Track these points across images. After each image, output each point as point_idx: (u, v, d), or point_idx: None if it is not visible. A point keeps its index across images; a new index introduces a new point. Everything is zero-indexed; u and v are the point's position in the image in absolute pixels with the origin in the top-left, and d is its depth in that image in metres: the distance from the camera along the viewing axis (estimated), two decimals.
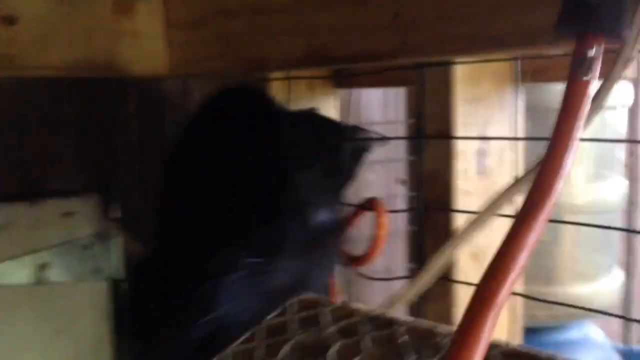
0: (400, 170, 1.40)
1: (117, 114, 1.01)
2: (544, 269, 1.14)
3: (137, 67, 0.93)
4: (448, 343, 0.36)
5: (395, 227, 1.01)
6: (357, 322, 0.42)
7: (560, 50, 0.55)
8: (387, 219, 0.72)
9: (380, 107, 1.36)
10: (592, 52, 0.33)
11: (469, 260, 0.72)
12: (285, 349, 0.40)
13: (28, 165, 0.93)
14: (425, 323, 0.40)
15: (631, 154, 1.90)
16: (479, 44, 0.60)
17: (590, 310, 0.67)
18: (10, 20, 0.81)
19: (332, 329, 0.41)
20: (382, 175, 1.41)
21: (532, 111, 1.00)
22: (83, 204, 0.96)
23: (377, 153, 1.38)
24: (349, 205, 0.80)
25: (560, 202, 1.14)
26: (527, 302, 1.07)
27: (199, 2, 0.88)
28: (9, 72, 0.82)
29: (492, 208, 0.53)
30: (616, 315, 0.75)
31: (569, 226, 1.13)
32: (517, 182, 0.52)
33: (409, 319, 0.41)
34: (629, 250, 1.87)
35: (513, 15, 0.56)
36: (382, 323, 0.41)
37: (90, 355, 0.98)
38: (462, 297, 0.72)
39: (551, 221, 0.81)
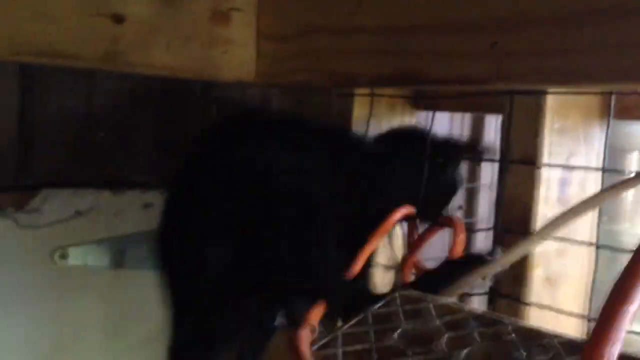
0: (459, 196, 1.41)
1: (198, 116, 1.06)
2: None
3: (226, 74, 0.98)
4: (556, 344, 0.38)
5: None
6: (462, 318, 0.44)
7: None
8: (464, 237, 0.74)
9: (446, 132, 1.38)
10: None
11: (543, 284, 0.74)
12: (394, 336, 0.43)
13: (113, 157, 0.97)
14: (529, 324, 0.43)
15: None
16: (574, 77, 0.62)
17: None
18: (118, 19, 0.86)
19: (438, 322, 0.44)
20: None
21: (615, 149, 1.01)
22: (161, 198, 1.00)
23: None
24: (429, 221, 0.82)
25: (625, 242, 1.14)
26: None
27: (290, 17, 0.92)
28: (114, 68, 0.88)
29: (574, 210, 0.55)
30: None
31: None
32: (602, 192, 0.54)
33: (513, 319, 0.43)
34: None
35: (609, 51, 0.58)
36: (488, 321, 0.44)
37: (152, 344, 1.01)
38: (534, 320, 0.73)
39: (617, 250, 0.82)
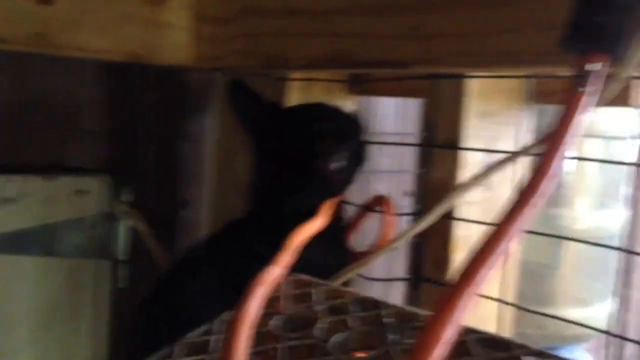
0: (407, 182, 1.42)
1: (138, 100, 1.04)
2: (541, 291, 1.15)
3: (164, 57, 0.96)
4: None
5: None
6: (343, 303, 0.44)
7: (570, 71, 0.57)
8: (395, 217, 0.74)
9: (394, 118, 1.39)
10: (592, 68, 0.35)
11: None
12: (274, 320, 0.43)
13: (44, 143, 0.95)
14: (409, 308, 0.43)
15: (638, 188, 1.91)
16: (494, 59, 0.62)
17: (589, 327, 0.69)
18: (47, 1, 0.84)
19: (320, 306, 0.44)
20: (389, 186, 1.43)
21: (541, 133, 1.02)
22: (95, 184, 0.99)
23: (385, 164, 1.41)
24: (356, 205, 0.82)
25: (562, 226, 1.16)
26: (521, 321, 1.08)
27: (228, 0, 0.91)
28: (43, 50, 0.85)
29: (481, 177, 0.56)
30: (614, 335, 0.76)
31: (569, 251, 1.15)
32: (518, 152, 0.55)
33: (396, 303, 0.43)
34: (626, 282, 1.87)
35: (529, 34, 0.58)
36: (369, 305, 0.44)
37: (87, 331, 1.00)
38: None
39: (550, 235, 0.83)
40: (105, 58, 0.90)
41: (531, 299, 1.15)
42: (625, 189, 1.19)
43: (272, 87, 0.94)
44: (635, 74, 0.41)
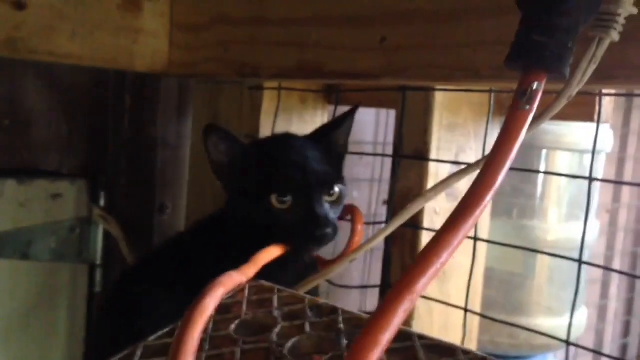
0: (384, 191, 1.43)
1: (112, 106, 1.05)
2: (512, 301, 1.17)
3: (138, 63, 0.97)
4: None
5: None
6: (300, 309, 0.45)
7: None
8: (363, 227, 0.75)
9: (372, 128, 1.40)
10: (534, 86, 0.37)
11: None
12: (231, 326, 0.43)
13: (20, 146, 0.96)
14: (364, 315, 0.43)
15: (615, 201, 1.94)
16: (457, 73, 0.64)
17: (560, 340, 0.71)
18: (19, 5, 0.85)
19: (277, 312, 0.45)
20: (366, 194, 1.44)
21: None
22: (71, 188, 0.99)
23: (363, 172, 1.42)
24: None
25: (534, 237, 1.17)
26: (492, 330, 1.10)
27: (203, 8, 0.92)
28: (16, 55, 0.86)
29: (439, 188, 0.57)
30: (585, 348, 0.78)
31: (541, 261, 1.17)
32: (478, 163, 0.56)
33: (352, 310, 0.44)
34: (603, 294, 1.90)
35: (490, 49, 0.60)
36: (324, 311, 0.44)
37: (64, 334, 1.00)
38: (422, 312, 0.75)
39: (519, 247, 0.84)
40: (80, 63, 0.91)
41: (503, 308, 1.17)
42: (596, 202, 1.21)
43: (245, 96, 0.95)
44: (577, 91, 0.43)
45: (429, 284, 0.33)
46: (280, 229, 0.66)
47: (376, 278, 1.17)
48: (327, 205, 0.68)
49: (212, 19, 0.89)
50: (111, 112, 1.03)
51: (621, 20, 0.40)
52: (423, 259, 0.33)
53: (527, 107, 0.36)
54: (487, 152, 0.75)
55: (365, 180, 1.41)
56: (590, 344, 1.78)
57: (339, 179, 0.71)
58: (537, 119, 0.45)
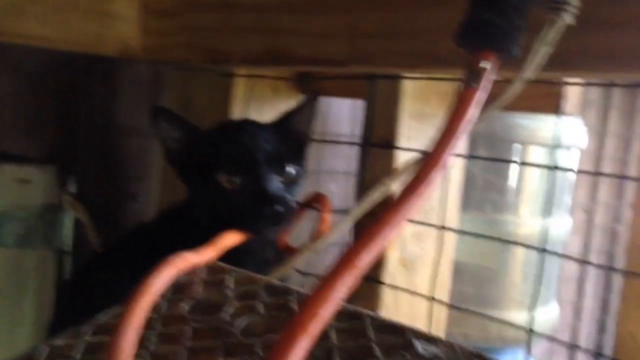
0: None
1: (82, 91, 1.03)
2: (485, 294, 1.17)
3: (109, 48, 0.95)
4: None
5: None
6: (254, 289, 0.44)
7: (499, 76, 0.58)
8: (330, 216, 0.75)
9: (348, 120, 1.39)
10: (484, 65, 0.36)
11: (399, 266, 0.75)
12: (184, 304, 0.43)
13: None
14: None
15: (591, 200, 1.95)
16: (424, 60, 0.64)
17: (522, 328, 0.71)
18: None
19: (230, 293, 0.44)
20: (345, 186, 1.44)
21: (479, 136, 1.04)
22: (39, 173, 0.98)
23: (339, 164, 1.42)
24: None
25: (507, 231, 1.17)
26: (463, 322, 1.10)
27: None
28: None
29: (397, 174, 0.57)
30: (559, 341, 0.78)
31: (514, 255, 1.17)
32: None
33: (303, 290, 0.44)
34: (579, 291, 1.91)
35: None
36: (278, 291, 0.44)
37: (31, 321, 0.99)
38: (388, 301, 0.75)
39: (493, 239, 0.84)
40: (49, 46, 0.89)
41: (475, 302, 1.17)
42: (568, 197, 1.21)
43: (217, 83, 0.94)
44: (532, 77, 0.42)
45: (371, 260, 0.32)
46: (231, 209, 0.65)
47: None
48: (278, 184, 0.67)
49: (183, 3, 0.88)
50: (81, 98, 1.02)
51: (575, 2, 0.39)
52: (368, 235, 0.32)
53: (474, 84, 0.36)
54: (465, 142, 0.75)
55: (341, 173, 1.41)
56: (565, 340, 1.78)
57: (293, 160, 0.70)
58: (493, 104, 0.44)
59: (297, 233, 0.86)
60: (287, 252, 0.82)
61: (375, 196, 0.60)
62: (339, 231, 0.68)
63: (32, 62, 0.96)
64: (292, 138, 0.74)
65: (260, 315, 0.41)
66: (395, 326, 0.38)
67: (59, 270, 1.03)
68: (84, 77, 1.01)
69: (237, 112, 0.92)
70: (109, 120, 1.03)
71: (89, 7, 0.90)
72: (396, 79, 0.72)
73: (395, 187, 0.66)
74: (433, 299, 0.72)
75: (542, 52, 0.40)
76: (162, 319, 0.42)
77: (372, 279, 0.74)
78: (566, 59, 0.48)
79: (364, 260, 0.32)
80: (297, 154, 0.74)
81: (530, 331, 0.66)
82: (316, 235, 0.78)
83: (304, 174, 0.72)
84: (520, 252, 1.17)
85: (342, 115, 1.37)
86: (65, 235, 1.02)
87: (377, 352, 0.35)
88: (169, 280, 0.43)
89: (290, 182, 0.70)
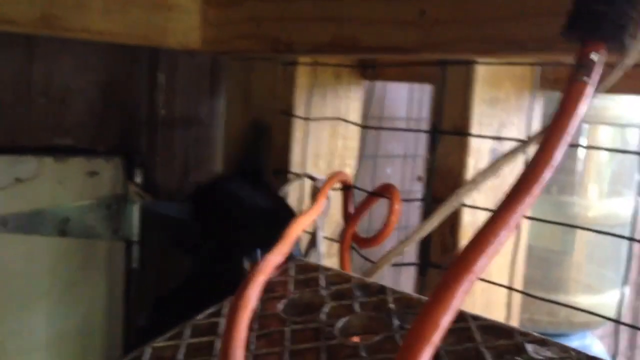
0: (418, 167, 1.41)
1: (146, 83, 1.04)
2: (551, 278, 1.15)
3: (171, 40, 0.96)
4: None
5: (407, 221, 1.04)
6: (347, 288, 0.44)
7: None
8: (400, 206, 0.74)
9: (405, 103, 1.38)
10: (594, 57, 0.35)
11: None
12: (279, 305, 0.43)
13: (56, 124, 0.96)
14: (415, 295, 0.43)
15: None
16: (500, 46, 0.62)
17: (601, 317, 0.69)
18: None
19: (324, 292, 0.44)
20: (399, 170, 1.43)
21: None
22: (107, 166, 1.00)
23: (396, 148, 1.41)
24: (365, 191, 0.82)
25: (574, 214, 1.15)
26: (531, 308, 1.08)
27: None
28: (50, 32, 0.86)
29: (495, 167, 0.56)
30: (625, 324, 0.76)
31: (580, 238, 1.15)
32: (529, 140, 0.55)
33: (399, 290, 0.43)
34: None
35: (535, 20, 0.57)
36: (372, 291, 0.44)
37: (102, 310, 1.02)
38: None
39: (560, 224, 0.82)
40: (113, 40, 0.91)
41: (541, 285, 1.15)
42: (637, 177, 1.18)
43: (279, 72, 0.94)
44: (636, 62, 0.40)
45: (488, 264, 0.32)
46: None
47: (410, 256, 1.16)
48: None
49: None
50: (144, 90, 1.03)
51: None
52: (482, 238, 0.31)
53: (586, 78, 0.34)
54: (532, 127, 0.73)
55: (398, 157, 1.40)
56: (627, 321, 1.75)
57: None
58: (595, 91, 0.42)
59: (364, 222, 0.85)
60: (355, 241, 0.83)
61: (462, 195, 0.59)
62: (426, 230, 0.67)
63: (96, 56, 0.97)
64: None
65: (357, 315, 0.41)
66: (502, 328, 0.37)
67: (127, 260, 1.05)
68: (147, 70, 1.02)
69: (300, 100, 0.92)
70: (171, 112, 1.04)
71: (150, 0, 0.90)
72: (469, 64, 0.71)
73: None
74: (511, 288, 0.71)
75: None
76: (258, 320, 0.42)
77: (447, 268, 0.73)
78: None
79: (481, 266, 0.31)
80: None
81: (617, 322, 0.65)
82: (387, 226, 0.78)
83: None
84: (586, 234, 1.14)
85: (399, 99, 1.36)
86: (133, 225, 1.04)
87: (488, 356, 0.35)
88: (260, 288, 0.43)
89: None
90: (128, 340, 1.05)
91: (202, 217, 0.75)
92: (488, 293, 0.77)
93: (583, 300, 1.14)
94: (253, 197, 0.75)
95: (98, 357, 1.03)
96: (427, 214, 0.73)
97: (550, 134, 0.34)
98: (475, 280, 0.31)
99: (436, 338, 0.29)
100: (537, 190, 0.33)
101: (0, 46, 0.88)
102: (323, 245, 0.88)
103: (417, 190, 1.39)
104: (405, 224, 1.05)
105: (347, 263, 0.82)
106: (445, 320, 0.30)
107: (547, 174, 0.34)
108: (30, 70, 0.91)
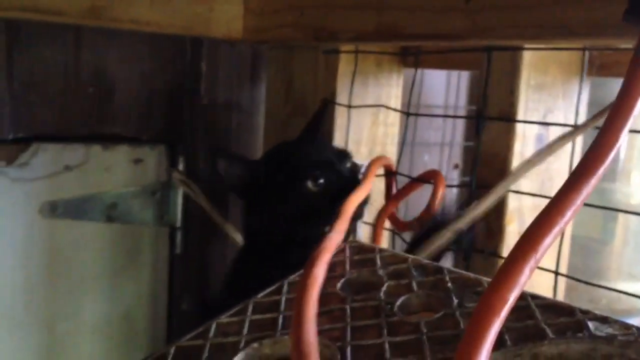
0: (455, 155, 1.41)
1: (189, 73, 1.06)
2: (592, 266, 1.15)
3: (214, 30, 0.98)
4: None
5: None
6: (404, 268, 0.45)
7: (628, 43, 0.56)
8: (444, 191, 0.75)
9: (442, 91, 1.38)
10: None
11: (517, 239, 0.74)
12: (337, 284, 0.44)
13: (103, 113, 0.98)
14: (471, 275, 0.43)
15: None
16: (549, 31, 0.62)
17: None
18: None
19: (381, 271, 0.45)
20: (437, 158, 1.43)
21: (596, 106, 1.00)
22: (151, 153, 1.02)
23: (433, 136, 1.41)
24: (408, 177, 0.83)
25: (616, 200, 1.14)
26: (571, 294, 1.08)
27: None
28: (98, 23, 0.88)
29: (546, 153, 0.56)
30: None
31: (622, 225, 1.14)
32: (581, 126, 0.55)
33: (456, 269, 0.44)
34: None
35: (584, 4, 0.57)
36: (429, 270, 0.45)
37: (149, 294, 1.05)
38: None
39: (605, 208, 0.82)
40: (159, 31, 0.93)
41: (583, 273, 1.14)
42: None
43: (320, 61, 0.95)
44: None
45: (552, 244, 0.32)
46: (317, 209, 0.73)
47: None
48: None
49: None
50: (188, 79, 1.04)
51: None
52: (549, 217, 0.32)
53: None
54: (579, 113, 0.73)
55: (435, 144, 1.40)
56: None
57: (344, 158, 0.81)
58: None
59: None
60: (394, 224, 0.83)
61: (512, 180, 0.60)
62: (478, 213, 0.68)
63: (142, 46, 0.99)
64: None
65: (416, 294, 0.42)
66: (562, 306, 0.38)
67: (171, 246, 1.07)
68: (190, 59, 1.04)
69: (342, 88, 0.93)
70: (214, 100, 1.06)
71: None
72: (516, 50, 0.71)
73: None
74: (557, 273, 0.71)
75: None
76: (321, 298, 0.43)
77: (492, 253, 0.74)
78: None
79: (546, 244, 0.32)
80: (341, 153, 0.81)
81: None
82: (427, 208, 0.78)
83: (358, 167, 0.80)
84: (628, 222, 1.13)
85: (436, 86, 1.36)
86: (176, 211, 1.06)
87: (549, 333, 0.36)
88: (327, 266, 0.44)
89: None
90: (171, 324, 1.08)
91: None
92: (533, 278, 0.77)
93: (624, 288, 1.13)
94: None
95: (143, 340, 1.06)
96: (470, 200, 0.73)
97: (613, 115, 0.35)
98: (540, 258, 0.32)
99: (504, 312, 0.30)
100: (601, 171, 0.34)
101: (50, 37, 0.90)
102: (362, 231, 0.89)
103: (454, 177, 1.39)
104: None
105: (380, 242, 0.83)
106: (513, 296, 0.31)
107: (611, 155, 0.34)
108: (79, 60, 0.93)
